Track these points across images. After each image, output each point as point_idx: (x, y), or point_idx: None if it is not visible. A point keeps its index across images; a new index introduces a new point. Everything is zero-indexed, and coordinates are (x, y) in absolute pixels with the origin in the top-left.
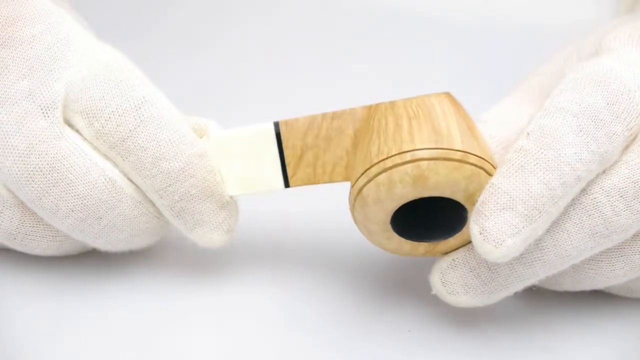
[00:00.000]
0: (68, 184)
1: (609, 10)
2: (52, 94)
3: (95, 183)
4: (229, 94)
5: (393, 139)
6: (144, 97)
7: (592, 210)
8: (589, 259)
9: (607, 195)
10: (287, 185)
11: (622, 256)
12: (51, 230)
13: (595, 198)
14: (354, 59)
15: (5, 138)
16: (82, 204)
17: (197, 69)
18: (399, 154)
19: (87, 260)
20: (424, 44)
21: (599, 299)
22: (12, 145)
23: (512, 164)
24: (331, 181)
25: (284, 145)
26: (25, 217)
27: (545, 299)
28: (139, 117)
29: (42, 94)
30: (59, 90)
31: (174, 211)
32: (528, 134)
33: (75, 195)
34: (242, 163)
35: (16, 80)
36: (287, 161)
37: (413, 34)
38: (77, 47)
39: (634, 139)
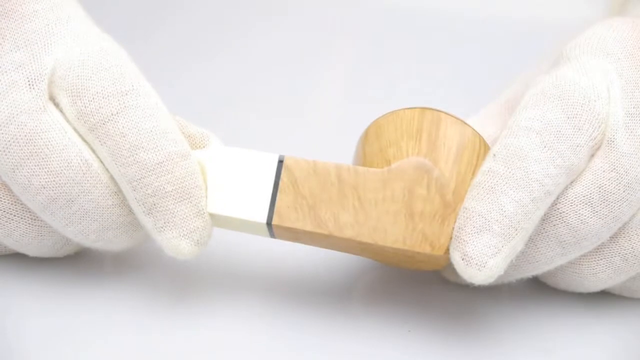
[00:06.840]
0: (43, 158)
1: (609, 9)
2: (40, 67)
3: (71, 162)
4: (233, 103)
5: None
6: (132, 86)
7: (555, 220)
8: (571, 263)
9: (571, 204)
10: (269, 221)
11: (602, 259)
12: (30, 213)
13: (558, 208)
14: (356, 62)
15: None
16: (54, 181)
17: (200, 77)
18: None
19: (84, 283)
20: (426, 45)
21: (599, 299)
22: None
23: (483, 187)
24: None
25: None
26: (5, 193)
27: (545, 299)
28: (124, 103)
29: (31, 66)
30: (47, 64)
31: (145, 207)
32: (494, 155)
33: (48, 171)
34: (233, 184)
35: (10, 51)
36: (278, 197)
37: (415, 36)
38: (75, 28)
39: (599, 147)
